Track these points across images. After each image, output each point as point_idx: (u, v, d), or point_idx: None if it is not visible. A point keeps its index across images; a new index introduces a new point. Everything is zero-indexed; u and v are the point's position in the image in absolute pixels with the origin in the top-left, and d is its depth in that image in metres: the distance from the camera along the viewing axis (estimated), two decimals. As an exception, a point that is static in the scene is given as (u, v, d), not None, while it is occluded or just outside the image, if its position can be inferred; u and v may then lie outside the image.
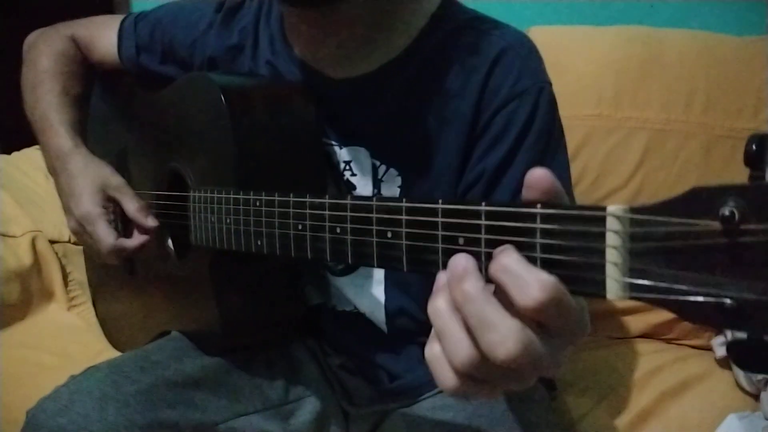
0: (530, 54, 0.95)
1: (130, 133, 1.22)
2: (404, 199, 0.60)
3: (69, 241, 1.58)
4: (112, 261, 1.10)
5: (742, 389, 1.22)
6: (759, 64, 1.39)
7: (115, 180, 1.11)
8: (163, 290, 1.14)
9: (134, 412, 0.92)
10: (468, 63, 0.93)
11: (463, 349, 0.50)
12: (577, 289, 0.48)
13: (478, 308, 0.49)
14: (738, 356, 0.43)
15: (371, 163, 0.98)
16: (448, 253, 0.53)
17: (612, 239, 0.45)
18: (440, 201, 0.56)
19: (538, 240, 0.50)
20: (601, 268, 0.46)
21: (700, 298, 0.42)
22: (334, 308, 1.07)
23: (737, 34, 1.48)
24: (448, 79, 0.93)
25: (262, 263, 0.96)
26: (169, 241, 1.10)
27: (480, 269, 0.51)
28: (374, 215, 0.62)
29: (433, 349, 0.53)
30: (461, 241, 0.55)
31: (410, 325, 1.02)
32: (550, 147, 0.92)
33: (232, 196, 0.87)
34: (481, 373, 0.51)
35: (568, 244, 0.48)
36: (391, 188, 0.98)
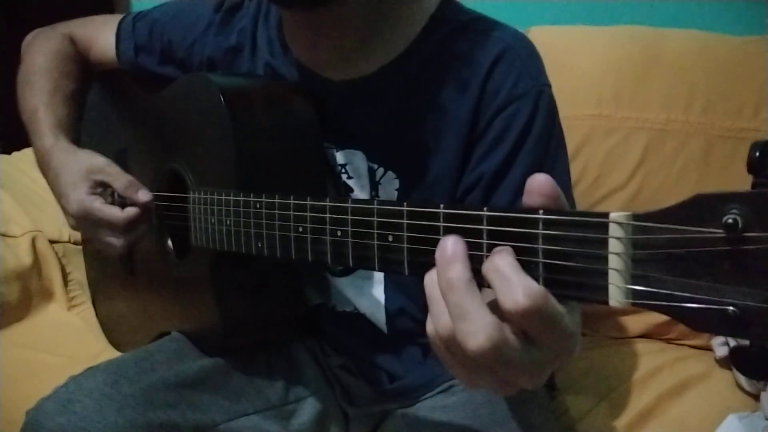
0: (530, 55, 0.94)
1: (130, 134, 1.22)
2: (405, 203, 0.60)
3: (69, 241, 1.58)
4: (131, 243, 1.06)
5: (742, 389, 1.22)
6: (759, 64, 1.39)
7: (97, 162, 1.08)
8: (163, 291, 1.14)
9: (134, 412, 0.92)
10: (467, 65, 0.92)
11: (445, 323, 0.52)
12: (580, 295, 0.48)
13: (458, 298, 0.51)
14: (740, 363, 0.43)
15: (368, 166, 0.98)
16: (450, 258, 0.53)
17: (614, 246, 0.45)
18: (442, 205, 0.56)
19: (541, 245, 0.50)
20: (604, 275, 0.46)
21: (703, 306, 0.42)
22: (334, 308, 1.07)
23: (737, 34, 1.48)
24: (447, 81, 0.93)
25: (262, 264, 0.96)
26: (169, 242, 1.10)
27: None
28: (375, 219, 0.62)
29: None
30: (463, 245, 0.55)
31: (410, 325, 1.02)
32: (550, 150, 0.92)
33: (232, 197, 0.87)
34: (458, 354, 0.53)
35: (571, 250, 0.48)
36: (389, 191, 0.98)
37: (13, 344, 1.43)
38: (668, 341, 1.42)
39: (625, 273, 0.45)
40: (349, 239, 0.66)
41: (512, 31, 0.96)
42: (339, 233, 0.67)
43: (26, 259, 1.53)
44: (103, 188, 1.07)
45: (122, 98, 1.28)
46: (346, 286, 1.04)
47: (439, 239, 0.56)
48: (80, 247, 1.52)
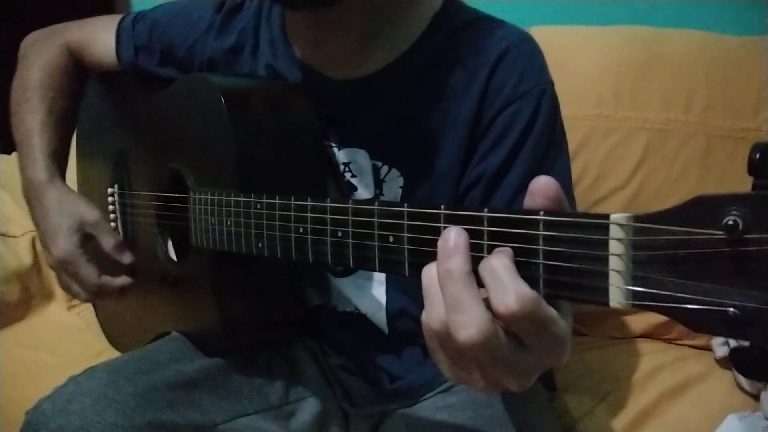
0: (533, 54, 0.94)
1: (130, 134, 1.22)
2: (406, 204, 0.60)
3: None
4: (92, 300, 1.12)
5: (742, 389, 1.22)
6: (759, 64, 1.38)
7: (91, 215, 1.11)
8: (163, 291, 1.14)
9: (134, 412, 0.91)
10: (470, 63, 0.92)
11: (438, 315, 0.53)
12: (580, 297, 0.48)
13: (455, 289, 0.52)
14: (741, 364, 0.43)
15: (371, 164, 0.98)
16: (451, 259, 0.54)
17: (615, 247, 0.45)
18: (442, 206, 0.56)
19: (541, 247, 0.50)
20: (604, 276, 0.46)
21: (703, 307, 0.42)
22: (335, 309, 1.07)
23: (737, 34, 1.48)
24: (450, 79, 0.93)
25: (262, 264, 0.96)
26: (169, 242, 1.10)
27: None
28: (376, 219, 0.63)
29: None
30: (463, 246, 0.55)
31: (411, 325, 1.02)
32: (551, 149, 0.92)
33: (233, 198, 0.87)
34: (449, 346, 0.54)
35: (571, 252, 0.48)
36: (393, 189, 0.98)
37: (13, 344, 1.43)
38: (668, 341, 1.42)
39: (626, 274, 0.45)
40: (350, 240, 0.66)
41: (516, 29, 0.96)
42: (339, 234, 0.67)
43: (26, 259, 1.54)
44: (89, 241, 1.11)
45: (122, 98, 1.28)
46: (346, 286, 1.04)
47: None
48: (80, 247, 1.52)
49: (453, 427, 0.97)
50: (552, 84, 0.94)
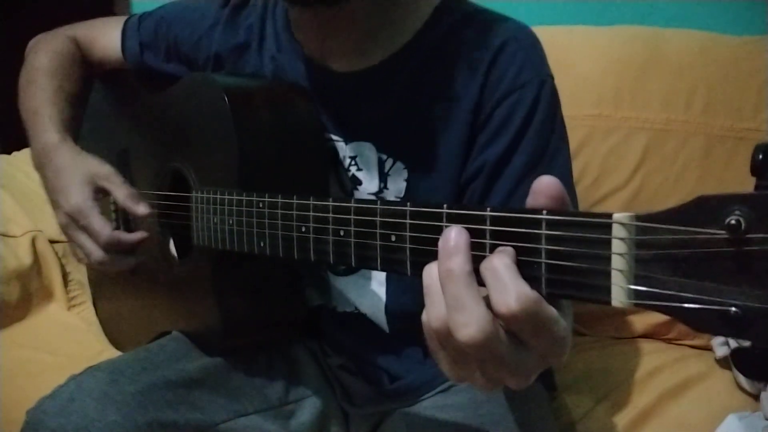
0: (533, 46, 0.95)
1: (132, 133, 1.22)
2: (408, 203, 0.60)
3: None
4: (106, 261, 1.06)
5: (742, 389, 1.22)
6: (759, 64, 1.39)
7: (104, 169, 1.08)
8: (164, 290, 1.14)
9: (134, 412, 0.92)
10: (471, 54, 0.93)
11: (439, 314, 0.53)
12: (582, 295, 0.48)
13: (456, 289, 0.52)
14: (742, 364, 0.43)
15: (377, 157, 0.98)
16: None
17: (618, 246, 0.46)
18: (445, 206, 0.56)
19: (544, 246, 0.50)
20: (607, 275, 0.46)
21: (705, 306, 0.42)
22: (335, 309, 1.07)
23: (737, 34, 1.48)
24: (451, 71, 0.94)
25: (263, 264, 0.96)
26: (171, 241, 1.10)
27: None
28: (378, 218, 0.63)
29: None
30: (466, 246, 0.55)
31: (412, 325, 1.01)
32: (552, 140, 0.92)
33: (235, 197, 0.87)
34: (449, 346, 0.54)
35: (574, 251, 0.48)
36: (398, 182, 0.98)
37: (13, 344, 1.43)
38: (668, 341, 1.42)
39: (628, 273, 0.45)
40: (352, 239, 0.66)
41: (516, 22, 0.96)
42: (342, 233, 0.67)
43: (26, 259, 1.53)
44: (104, 195, 1.08)
45: (125, 97, 1.28)
46: (347, 285, 1.04)
47: None
48: (80, 246, 1.53)
49: (453, 427, 0.97)
50: (551, 77, 0.94)
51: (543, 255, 0.50)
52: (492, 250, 0.53)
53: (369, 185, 1.00)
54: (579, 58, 1.49)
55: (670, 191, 1.39)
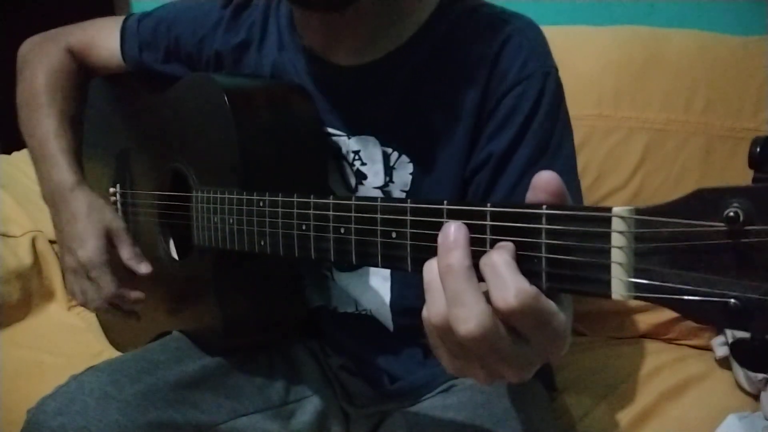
0: (537, 38, 0.95)
1: (132, 133, 1.22)
2: (409, 200, 0.60)
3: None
4: (103, 308, 1.10)
5: (742, 389, 1.22)
6: (759, 64, 1.39)
7: (116, 224, 1.10)
8: (165, 290, 1.14)
9: (135, 412, 0.92)
10: (476, 47, 0.93)
11: (439, 310, 0.54)
12: (583, 289, 0.48)
13: (456, 283, 0.52)
14: (741, 356, 0.43)
15: (382, 151, 0.98)
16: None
17: (617, 240, 0.46)
18: (445, 201, 0.57)
19: (544, 240, 0.50)
20: (606, 269, 0.46)
21: (704, 298, 0.42)
22: (335, 310, 1.07)
23: (737, 34, 1.48)
24: (456, 63, 0.94)
25: (264, 264, 0.97)
26: (171, 241, 1.10)
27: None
28: (378, 215, 0.63)
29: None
30: (467, 241, 0.55)
31: (416, 322, 1.01)
32: (556, 131, 0.92)
33: (235, 196, 0.87)
34: (449, 340, 0.54)
35: (574, 245, 0.48)
36: (403, 175, 0.98)
37: (13, 344, 1.43)
38: (668, 341, 1.42)
39: (628, 266, 0.46)
40: (353, 236, 0.66)
41: (520, 16, 0.97)
42: (342, 230, 0.68)
43: (26, 259, 1.53)
44: (111, 249, 1.09)
45: (125, 98, 1.28)
46: (350, 282, 1.04)
47: None
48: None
49: (453, 427, 0.97)
50: (556, 69, 0.95)
51: (543, 249, 0.50)
52: (492, 246, 0.53)
53: (374, 179, 1.00)
54: (579, 58, 1.49)
55: (670, 191, 1.39)
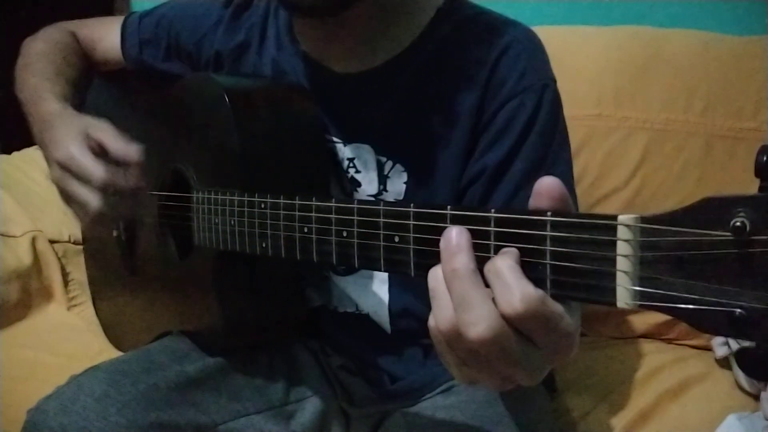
0: (536, 49, 0.95)
1: (133, 133, 1.21)
2: (412, 205, 0.60)
3: (69, 241, 1.57)
4: (104, 208, 0.94)
5: (742, 389, 1.22)
6: (759, 64, 1.39)
7: (95, 122, 1.00)
8: (165, 290, 1.14)
9: (135, 412, 0.92)
10: (473, 57, 0.93)
11: (447, 316, 0.53)
12: (587, 297, 0.48)
13: (462, 287, 0.52)
14: (746, 364, 0.43)
15: (376, 160, 0.98)
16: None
17: (623, 248, 0.46)
18: (449, 207, 0.56)
19: (548, 247, 0.50)
20: (612, 277, 0.46)
21: (710, 308, 0.42)
22: (336, 310, 1.07)
23: (737, 34, 1.48)
24: (454, 73, 0.93)
25: (264, 264, 0.96)
26: (171, 241, 1.10)
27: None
28: (381, 219, 0.63)
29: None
30: (470, 247, 0.55)
31: (414, 325, 1.02)
32: (553, 145, 0.92)
33: (236, 198, 0.87)
34: (459, 347, 0.54)
35: (579, 252, 0.48)
36: (397, 184, 0.98)
37: (13, 344, 1.43)
38: (668, 341, 1.42)
39: (633, 275, 0.46)
40: (355, 240, 0.66)
41: (518, 25, 0.96)
42: (345, 234, 0.67)
43: (26, 259, 1.53)
44: (99, 149, 0.97)
45: (124, 97, 1.28)
46: (349, 285, 1.04)
47: None
48: (80, 247, 1.53)
49: (453, 427, 0.97)
50: (554, 81, 0.94)
51: (548, 256, 0.50)
52: (496, 252, 0.53)
53: (368, 187, 0.99)
54: (579, 58, 1.49)
55: (670, 191, 1.39)
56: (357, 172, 0.99)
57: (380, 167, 0.98)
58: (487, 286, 0.52)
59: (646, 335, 1.43)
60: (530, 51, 0.93)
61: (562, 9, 1.70)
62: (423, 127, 0.95)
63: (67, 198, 0.99)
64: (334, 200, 0.69)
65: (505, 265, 0.51)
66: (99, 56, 1.25)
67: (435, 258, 0.55)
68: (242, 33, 1.08)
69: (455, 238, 0.54)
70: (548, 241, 0.50)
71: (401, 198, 0.97)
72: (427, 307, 0.56)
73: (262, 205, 0.81)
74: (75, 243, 1.56)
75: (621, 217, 0.46)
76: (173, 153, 1.06)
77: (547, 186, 0.52)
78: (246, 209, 0.85)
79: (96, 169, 0.93)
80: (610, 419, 1.19)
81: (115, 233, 1.22)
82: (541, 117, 0.91)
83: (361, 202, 0.66)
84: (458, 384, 1.03)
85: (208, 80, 0.99)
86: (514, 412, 0.97)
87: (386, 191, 0.98)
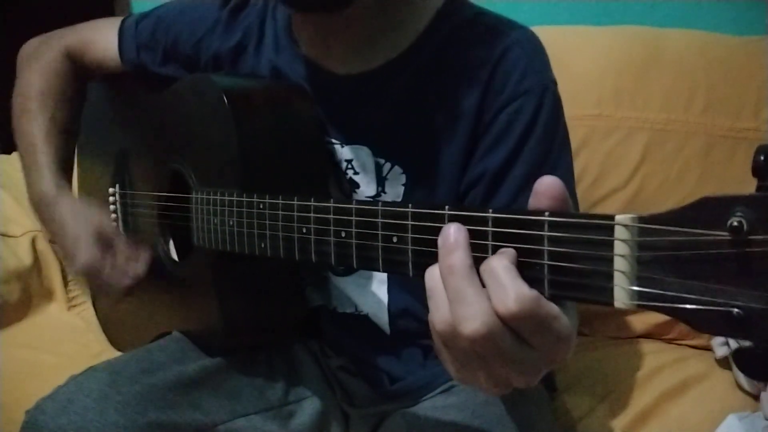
0: (536, 51, 0.94)
1: (131, 134, 1.22)
2: (410, 205, 0.60)
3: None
4: (125, 295, 1.12)
5: (742, 389, 1.22)
6: (759, 64, 1.38)
7: (106, 222, 1.12)
8: (164, 290, 1.14)
9: (134, 412, 0.92)
10: (472, 60, 0.92)
11: (442, 314, 0.53)
12: (585, 297, 0.48)
13: (458, 283, 0.52)
14: (744, 364, 0.43)
15: (374, 162, 0.98)
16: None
17: (620, 248, 0.46)
18: (447, 207, 0.56)
19: (546, 247, 0.50)
20: (609, 277, 0.46)
21: (708, 307, 0.42)
22: (335, 310, 1.07)
23: (737, 34, 1.48)
24: (453, 75, 0.93)
25: (264, 264, 0.96)
26: (171, 242, 1.10)
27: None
28: (380, 220, 0.63)
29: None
30: (468, 247, 0.55)
31: (413, 325, 1.02)
32: (554, 148, 0.92)
33: (235, 198, 0.87)
34: (455, 346, 0.54)
35: (576, 252, 0.48)
36: (396, 186, 0.98)
37: (13, 344, 1.43)
38: (668, 341, 1.42)
39: (631, 275, 0.46)
40: (353, 240, 0.66)
41: (519, 26, 0.95)
42: (343, 234, 0.67)
43: (26, 259, 1.53)
44: (109, 247, 1.10)
45: (123, 99, 1.28)
46: (348, 285, 1.04)
47: None
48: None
49: (453, 427, 0.97)
50: (555, 83, 0.94)
51: (545, 257, 0.50)
52: (494, 251, 0.53)
53: (366, 189, 0.99)
54: (579, 58, 1.48)
55: (670, 191, 1.39)
56: (355, 173, 0.99)
57: (378, 169, 0.98)
58: (484, 286, 0.52)
59: (646, 335, 1.43)
60: (530, 53, 0.93)
61: (562, 9, 1.70)
62: (422, 129, 0.95)
63: (89, 285, 1.19)
64: (332, 200, 0.69)
65: (500, 264, 0.51)
66: (90, 62, 1.24)
67: (433, 258, 0.55)
68: (239, 33, 1.08)
69: (453, 235, 0.54)
70: (546, 241, 0.50)
71: (400, 200, 0.97)
72: (426, 307, 0.56)
73: (261, 206, 0.81)
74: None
75: (618, 217, 0.46)
76: (172, 154, 1.06)
77: (546, 185, 0.52)
78: (245, 210, 0.85)
79: (119, 282, 1.09)
80: (610, 419, 1.19)
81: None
82: (542, 120, 0.90)
83: (359, 202, 0.66)
84: (458, 384, 1.03)
85: (207, 81, 0.99)
86: (514, 412, 0.97)
87: (384, 193, 0.98)
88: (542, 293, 0.50)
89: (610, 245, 0.46)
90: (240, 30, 1.08)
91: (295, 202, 0.75)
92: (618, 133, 1.44)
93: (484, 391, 0.58)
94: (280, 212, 0.77)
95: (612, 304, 0.47)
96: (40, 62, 1.22)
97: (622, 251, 0.46)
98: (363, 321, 1.05)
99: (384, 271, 0.65)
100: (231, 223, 0.88)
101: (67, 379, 0.96)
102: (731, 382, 1.25)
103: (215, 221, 0.91)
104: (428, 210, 0.58)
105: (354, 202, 0.66)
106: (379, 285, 1.02)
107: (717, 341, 1.30)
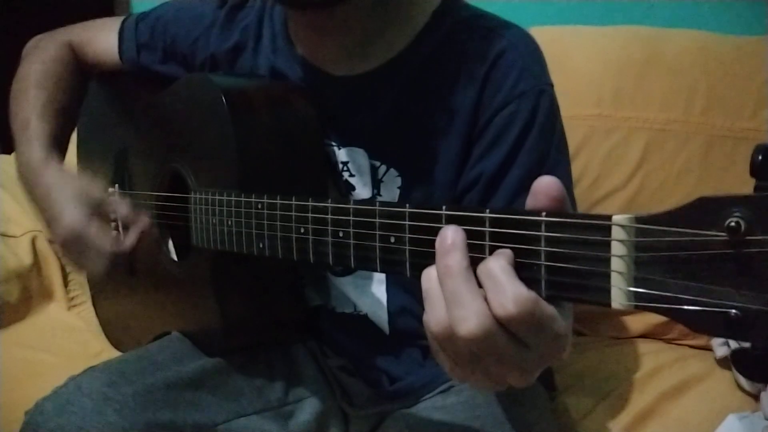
0: (532, 54, 0.94)
1: (131, 134, 1.22)
2: (407, 205, 0.60)
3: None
4: (107, 270, 1.03)
5: (742, 389, 1.22)
6: (759, 64, 1.38)
7: (96, 187, 1.06)
8: (164, 291, 1.14)
9: (133, 412, 0.91)
10: (468, 62, 0.92)
11: (439, 314, 0.53)
12: (582, 297, 0.48)
13: (454, 284, 0.52)
14: (742, 365, 0.43)
15: (370, 164, 0.98)
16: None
17: (617, 248, 0.46)
18: (444, 207, 0.56)
19: (543, 248, 0.50)
20: (606, 277, 0.46)
21: (705, 308, 0.42)
22: (334, 310, 1.07)
23: (737, 34, 1.48)
24: (449, 77, 0.93)
25: (263, 264, 0.96)
26: (170, 242, 1.10)
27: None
28: (377, 220, 0.63)
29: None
30: (465, 247, 0.55)
31: (412, 325, 1.02)
32: (551, 151, 0.91)
33: (233, 198, 0.87)
34: (451, 347, 0.54)
35: (573, 252, 0.48)
36: (391, 189, 0.98)
37: (13, 344, 1.43)
38: (668, 341, 1.41)
39: (628, 275, 0.46)
40: (351, 240, 0.66)
41: (515, 28, 0.95)
42: (341, 234, 0.67)
43: (26, 259, 1.53)
44: (96, 214, 1.04)
45: (122, 98, 1.28)
46: (346, 285, 1.04)
47: None
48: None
49: (453, 427, 0.97)
50: (551, 85, 0.93)
51: (542, 257, 0.50)
52: (491, 252, 0.53)
53: (362, 191, 0.99)
54: (579, 58, 1.48)
55: (670, 191, 1.39)
56: (351, 176, 0.99)
57: (374, 171, 0.98)
58: (481, 287, 0.52)
59: (645, 335, 1.43)
60: (526, 55, 0.92)
61: (562, 9, 1.70)
62: (418, 131, 0.95)
63: (74, 265, 1.08)
64: (330, 200, 0.69)
65: (497, 266, 0.51)
66: (90, 58, 1.24)
67: (430, 258, 0.55)
68: (237, 34, 1.08)
69: (450, 237, 0.54)
70: (543, 242, 0.50)
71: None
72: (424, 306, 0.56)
73: (259, 206, 0.81)
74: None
75: (615, 217, 0.46)
76: (171, 153, 1.06)
77: (545, 185, 0.52)
78: (243, 209, 0.85)
79: (103, 243, 1.01)
80: (610, 419, 1.19)
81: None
82: (538, 123, 0.90)
83: (357, 202, 0.66)
84: (457, 384, 1.03)
85: (206, 81, 0.99)
86: (514, 412, 0.97)
87: (380, 195, 0.98)
88: (539, 294, 0.50)
89: (607, 246, 0.46)
90: (238, 31, 1.08)
91: (293, 202, 0.75)
92: (618, 133, 1.44)
93: (478, 388, 0.58)
94: (278, 212, 0.77)
95: (609, 305, 0.46)
96: (41, 52, 1.22)
97: (619, 252, 0.45)
98: (362, 321, 1.05)
99: (381, 272, 0.65)
100: (229, 223, 0.88)
101: (66, 380, 0.96)
102: (731, 382, 1.25)
103: (214, 221, 0.91)
104: (425, 210, 0.58)
105: (352, 202, 0.67)
106: (378, 285, 1.02)
107: (717, 341, 1.30)
